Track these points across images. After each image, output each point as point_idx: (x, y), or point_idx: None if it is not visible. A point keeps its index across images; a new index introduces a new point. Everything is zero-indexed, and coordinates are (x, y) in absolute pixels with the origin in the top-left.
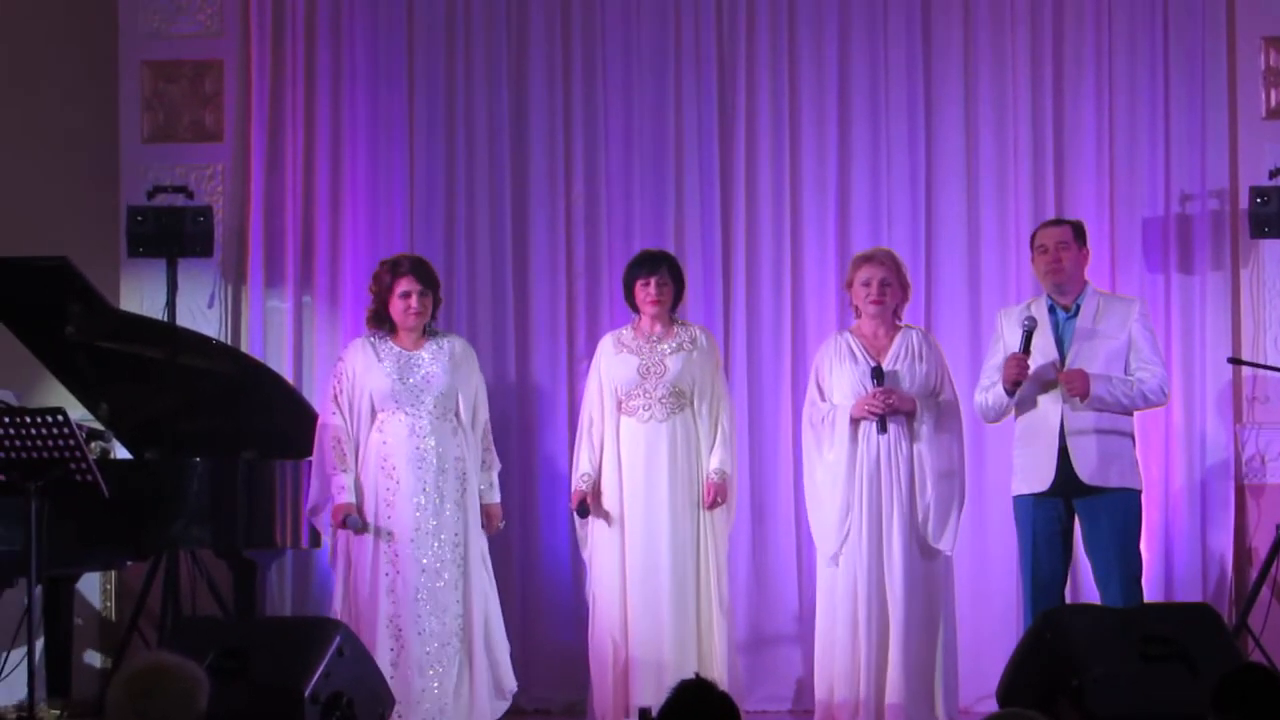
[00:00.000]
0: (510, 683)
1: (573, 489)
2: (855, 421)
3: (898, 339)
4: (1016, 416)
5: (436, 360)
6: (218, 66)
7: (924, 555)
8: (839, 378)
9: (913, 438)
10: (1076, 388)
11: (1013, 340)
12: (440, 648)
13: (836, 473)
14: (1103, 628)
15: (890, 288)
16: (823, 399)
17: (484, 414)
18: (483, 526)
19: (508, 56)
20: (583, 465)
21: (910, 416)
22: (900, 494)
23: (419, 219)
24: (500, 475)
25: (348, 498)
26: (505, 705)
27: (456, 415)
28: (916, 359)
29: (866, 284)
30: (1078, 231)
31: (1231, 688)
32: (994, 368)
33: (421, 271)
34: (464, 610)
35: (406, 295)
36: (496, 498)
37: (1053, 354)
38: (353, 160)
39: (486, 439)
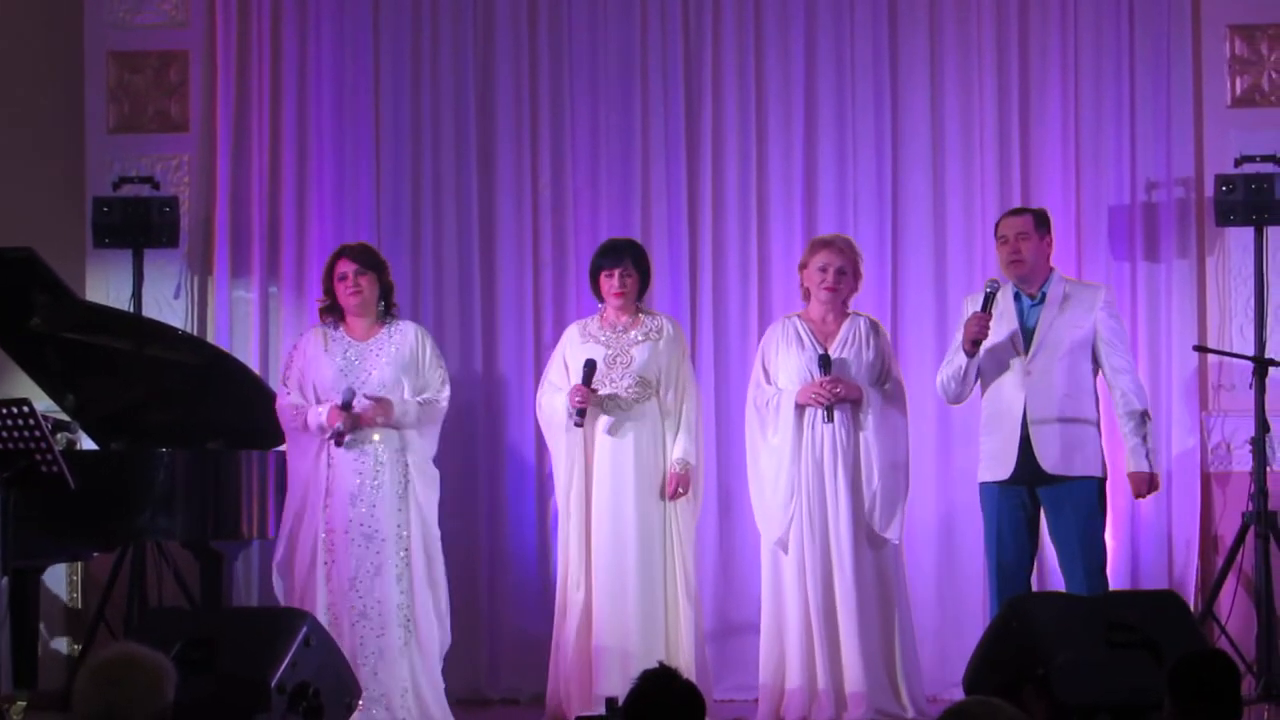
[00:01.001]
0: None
1: (571, 404)
2: (800, 408)
3: (845, 325)
4: (984, 402)
5: (383, 352)
6: (183, 57)
7: (871, 543)
8: (785, 361)
9: (858, 426)
10: (1146, 489)
11: None
12: (378, 638)
13: (781, 457)
14: (1068, 615)
15: (846, 276)
16: (768, 382)
17: (431, 393)
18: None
19: (474, 48)
20: (559, 396)
21: (856, 405)
22: (845, 482)
23: (385, 209)
24: (466, 465)
25: (327, 409)
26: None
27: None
28: (864, 346)
29: (823, 270)
30: (1039, 220)
31: (1187, 671)
32: (957, 348)
33: (359, 253)
34: (409, 601)
35: (344, 277)
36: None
37: (1019, 337)
38: (319, 151)
39: (426, 408)
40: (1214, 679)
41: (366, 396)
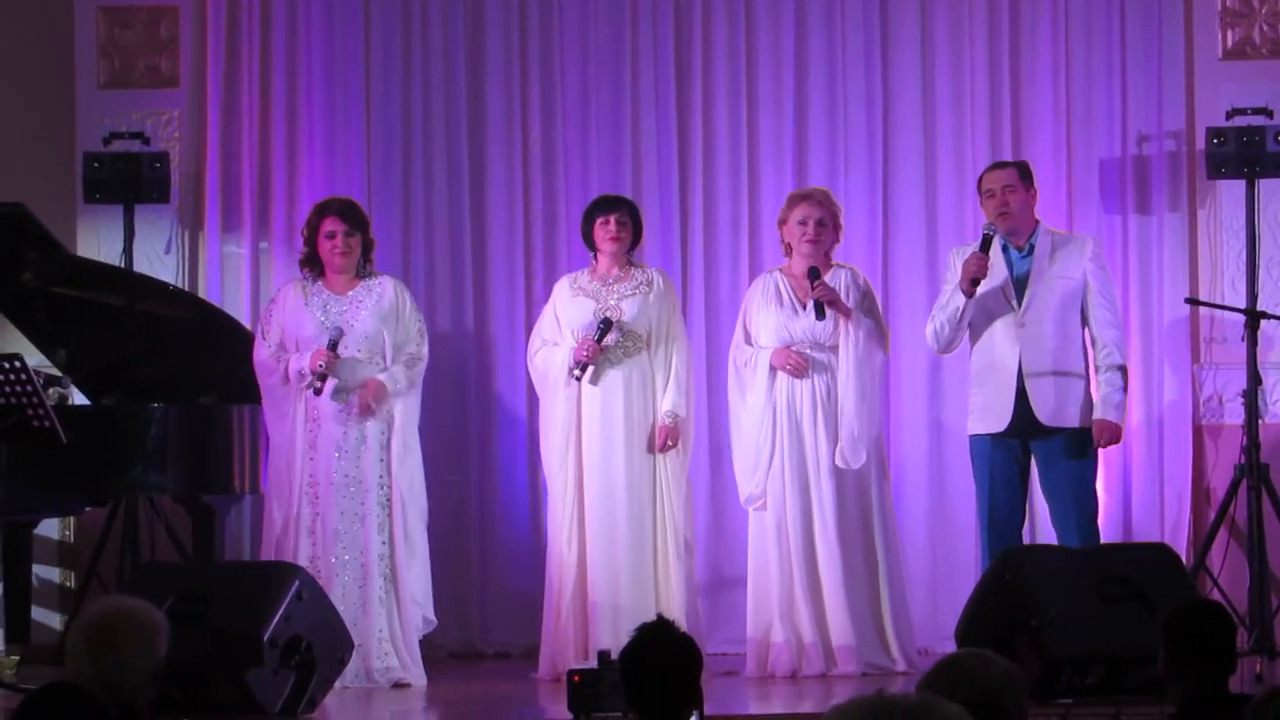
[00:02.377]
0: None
1: (576, 356)
2: (774, 370)
3: (828, 277)
4: (974, 354)
5: (364, 305)
6: (173, 12)
7: (858, 497)
8: (764, 320)
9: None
10: (1108, 438)
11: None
12: (360, 588)
13: (756, 417)
14: (1060, 568)
15: (826, 228)
16: (748, 342)
17: (413, 347)
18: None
19: (464, 4)
20: (556, 352)
21: (834, 350)
22: (827, 437)
23: (375, 164)
24: (456, 421)
25: (309, 354)
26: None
27: (383, 358)
28: (846, 297)
29: (803, 223)
30: (1023, 172)
31: (1182, 622)
32: (944, 303)
33: (347, 212)
34: (389, 551)
35: (332, 235)
36: (390, 383)
37: (1010, 289)
38: (309, 106)
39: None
40: (1210, 630)
41: (349, 390)
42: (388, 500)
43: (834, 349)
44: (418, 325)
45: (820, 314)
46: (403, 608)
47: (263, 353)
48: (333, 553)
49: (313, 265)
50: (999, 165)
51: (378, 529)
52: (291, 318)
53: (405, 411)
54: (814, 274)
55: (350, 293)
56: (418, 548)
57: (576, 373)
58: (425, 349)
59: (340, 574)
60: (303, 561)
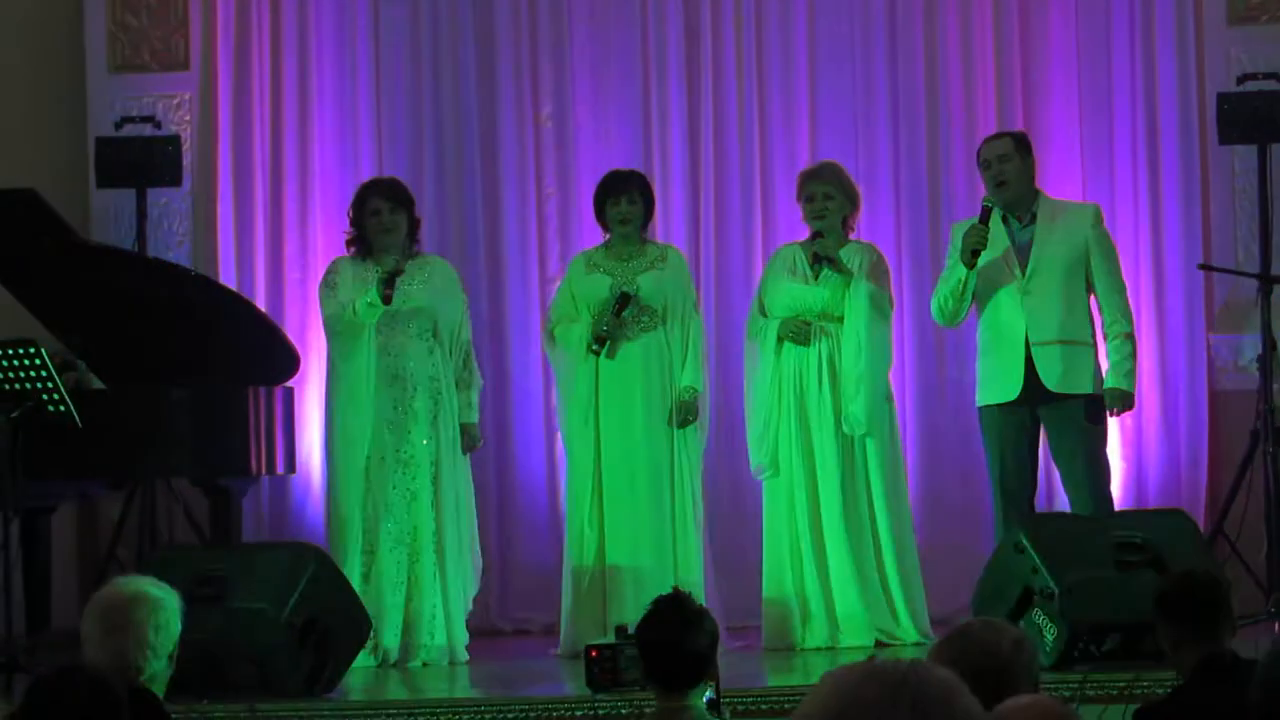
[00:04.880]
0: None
1: (591, 335)
2: (781, 339)
3: (843, 252)
4: (980, 324)
5: (415, 280)
6: None
7: (865, 465)
8: (777, 290)
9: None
10: (1121, 406)
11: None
12: (413, 564)
13: (765, 387)
14: (1076, 536)
15: (832, 201)
16: (762, 313)
17: (466, 334)
18: (462, 447)
19: None
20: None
21: (839, 320)
22: (831, 406)
23: (386, 143)
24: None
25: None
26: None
27: (434, 335)
28: (855, 268)
29: (809, 199)
30: (1019, 142)
31: (1172, 594)
32: (947, 276)
33: (391, 190)
34: (437, 528)
35: (376, 213)
36: (474, 417)
37: (1012, 258)
38: (320, 87)
39: (469, 360)
40: (1203, 598)
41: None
42: (436, 475)
43: (841, 320)
44: (463, 305)
45: (818, 264)
46: (450, 586)
47: (330, 306)
48: (386, 527)
49: (359, 245)
50: (995, 136)
51: (430, 505)
52: (348, 288)
53: (449, 397)
54: (814, 238)
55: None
56: (466, 526)
57: (595, 347)
58: (468, 333)
59: (395, 549)
60: (355, 536)
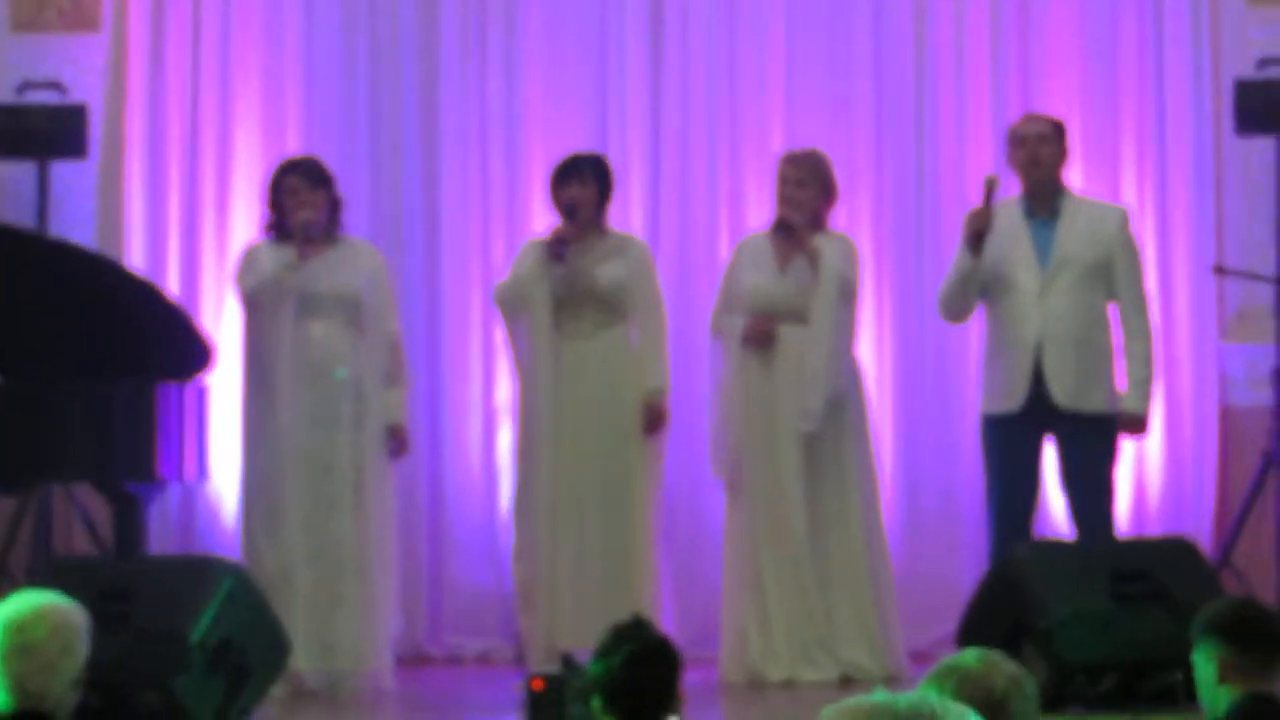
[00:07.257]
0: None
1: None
2: (744, 341)
3: (817, 241)
4: (988, 326)
5: (337, 265)
6: None
7: (835, 487)
8: (742, 283)
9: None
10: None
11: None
12: (333, 581)
13: (727, 389)
14: (1072, 565)
15: (806, 187)
16: (728, 309)
17: (392, 325)
18: (390, 451)
19: None
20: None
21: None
22: (794, 415)
23: (316, 118)
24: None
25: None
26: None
27: (357, 326)
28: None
29: (783, 181)
30: (1058, 130)
31: (1239, 620)
32: (960, 256)
33: (308, 169)
34: (359, 542)
35: (294, 192)
36: (403, 418)
37: (1030, 257)
38: (244, 56)
39: (396, 352)
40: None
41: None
42: (359, 484)
43: (807, 321)
44: (392, 298)
45: (781, 232)
46: (374, 605)
47: (246, 282)
48: (301, 542)
49: (277, 229)
50: (1034, 116)
51: (347, 517)
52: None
53: (377, 400)
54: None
55: (321, 256)
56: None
57: (557, 250)
58: (395, 323)
59: (312, 565)
60: (271, 550)
